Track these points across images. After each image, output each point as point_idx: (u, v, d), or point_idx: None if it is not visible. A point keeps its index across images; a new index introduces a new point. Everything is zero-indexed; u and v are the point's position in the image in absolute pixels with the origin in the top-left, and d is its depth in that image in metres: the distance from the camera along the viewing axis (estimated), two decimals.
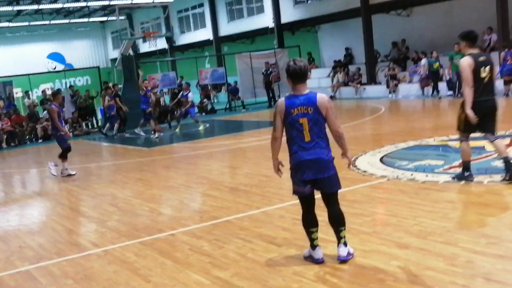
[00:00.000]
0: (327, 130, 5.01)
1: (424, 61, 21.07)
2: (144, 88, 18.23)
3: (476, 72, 7.10)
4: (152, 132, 17.76)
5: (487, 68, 7.16)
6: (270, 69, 24.94)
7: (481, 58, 7.18)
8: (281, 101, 5.02)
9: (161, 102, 18.76)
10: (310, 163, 4.91)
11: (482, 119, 7.21)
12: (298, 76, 4.93)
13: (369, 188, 7.81)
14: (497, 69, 18.15)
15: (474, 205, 6.49)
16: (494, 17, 18.89)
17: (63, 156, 11.93)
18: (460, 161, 7.90)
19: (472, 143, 9.86)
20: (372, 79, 23.99)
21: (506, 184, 7.10)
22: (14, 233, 7.74)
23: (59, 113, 11.87)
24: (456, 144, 9.99)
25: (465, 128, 7.38)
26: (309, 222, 5.12)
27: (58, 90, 13.45)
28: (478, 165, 8.30)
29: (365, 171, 8.79)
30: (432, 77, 20.05)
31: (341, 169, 5.17)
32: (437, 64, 19.83)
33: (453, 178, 7.69)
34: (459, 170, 7.86)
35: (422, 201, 6.82)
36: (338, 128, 4.99)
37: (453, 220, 5.97)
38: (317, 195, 5.12)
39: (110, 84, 21.14)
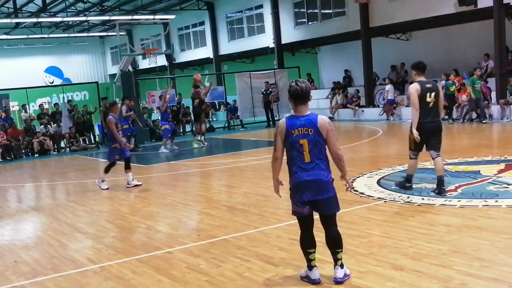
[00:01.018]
0: (327, 151, 5.05)
1: (388, 87, 22.16)
2: (164, 104, 18.20)
3: (422, 97, 8.09)
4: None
5: (433, 94, 8.13)
6: (270, 89, 25.07)
7: (428, 85, 8.18)
8: (282, 121, 5.07)
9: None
10: (309, 184, 4.94)
11: (428, 138, 8.22)
12: (299, 97, 4.98)
13: (366, 210, 7.85)
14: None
15: (468, 228, 6.53)
16: (491, 44, 19.06)
17: (127, 167, 11.74)
18: (457, 184, 8.60)
19: (467, 168, 10.12)
20: (371, 102, 24.13)
21: (498, 208, 7.20)
22: (9, 248, 7.72)
23: (117, 124, 11.75)
24: (452, 168, 10.17)
25: (415, 146, 8.34)
26: (307, 243, 5.14)
27: (115, 102, 13.08)
28: (473, 189, 8.44)
29: (362, 193, 8.84)
30: (448, 101, 18.61)
31: (338, 191, 5.21)
32: (453, 87, 19.27)
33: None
34: (455, 193, 8.20)
35: (418, 224, 6.87)
36: (338, 150, 5.03)
37: (448, 243, 6.01)
38: (316, 216, 5.15)
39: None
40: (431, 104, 8.14)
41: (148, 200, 10.45)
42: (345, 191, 6.07)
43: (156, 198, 10.53)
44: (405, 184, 8.76)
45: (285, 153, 5.09)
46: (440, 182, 8.26)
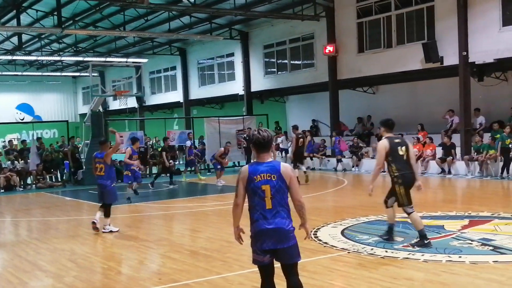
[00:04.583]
0: (289, 199, 5.10)
1: (281, 139, 25.11)
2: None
3: (393, 151, 8.43)
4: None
5: (403, 147, 8.51)
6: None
7: (397, 140, 8.60)
8: (245, 168, 5.12)
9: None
10: (270, 232, 4.92)
11: (409, 189, 8.49)
12: (261, 145, 5.05)
13: (329, 260, 7.89)
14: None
15: (431, 283, 6.58)
16: (456, 100, 19.58)
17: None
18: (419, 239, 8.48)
19: (431, 222, 10.21)
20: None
21: (462, 264, 7.32)
22: None
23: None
24: None
25: (408, 200, 8.47)
26: None
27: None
28: (436, 244, 8.51)
29: (326, 243, 8.89)
30: (503, 155, 17.83)
31: (302, 239, 5.25)
32: (509, 140, 17.77)
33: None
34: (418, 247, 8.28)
35: (381, 277, 6.92)
36: (300, 198, 5.07)
37: None
38: (277, 264, 5.17)
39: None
40: (404, 157, 8.49)
41: (111, 241, 10.33)
42: (308, 240, 6.09)
43: (119, 239, 10.42)
44: (423, 241, 8.34)
45: (247, 200, 5.12)
46: (422, 236, 8.40)
